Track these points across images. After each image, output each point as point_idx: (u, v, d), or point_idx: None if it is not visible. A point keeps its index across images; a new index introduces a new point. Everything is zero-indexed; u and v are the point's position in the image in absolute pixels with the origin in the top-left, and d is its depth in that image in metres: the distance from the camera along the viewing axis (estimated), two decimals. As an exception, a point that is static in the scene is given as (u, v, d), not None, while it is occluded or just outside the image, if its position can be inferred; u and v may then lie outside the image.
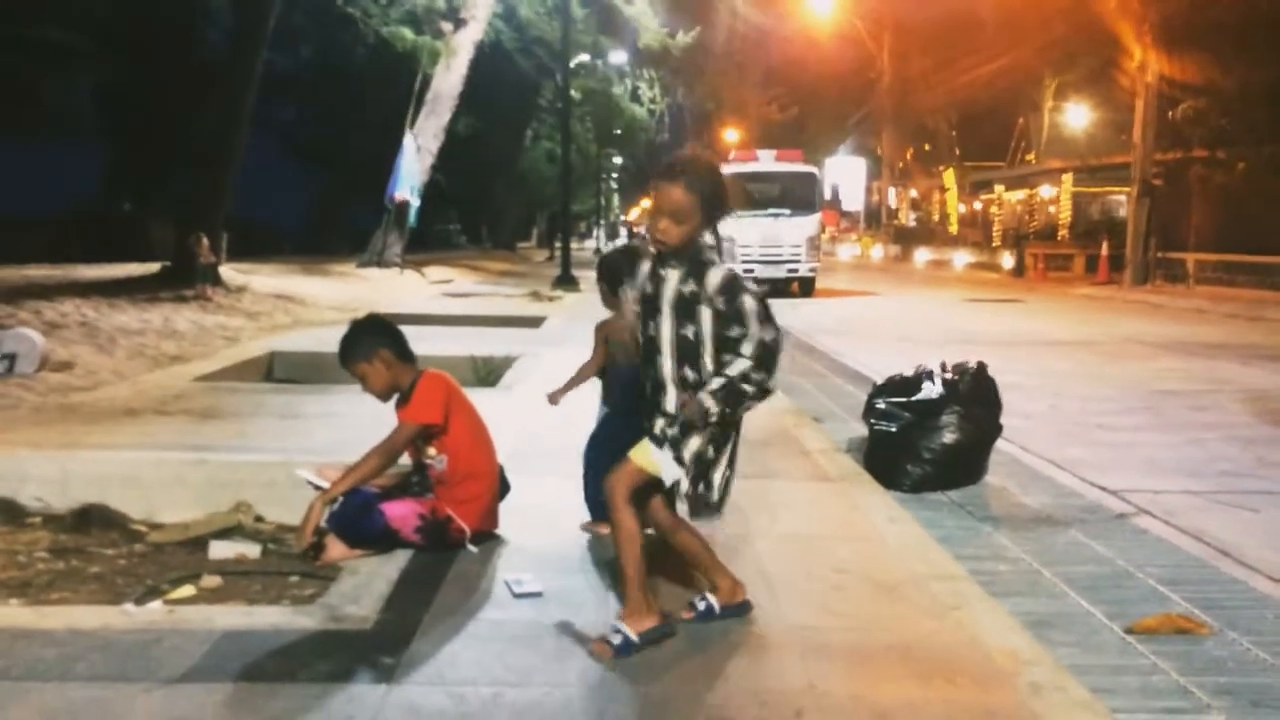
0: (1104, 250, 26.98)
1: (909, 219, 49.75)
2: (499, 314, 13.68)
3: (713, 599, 3.18)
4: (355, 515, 3.49)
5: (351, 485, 3.52)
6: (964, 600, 3.31)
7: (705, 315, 2.94)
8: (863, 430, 6.07)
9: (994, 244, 38.51)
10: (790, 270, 21.20)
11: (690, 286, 2.95)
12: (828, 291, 21.95)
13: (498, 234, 44.50)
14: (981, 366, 5.68)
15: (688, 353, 2.97)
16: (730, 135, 67.40)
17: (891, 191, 49.18)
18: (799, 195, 21.51)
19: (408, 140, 20.06)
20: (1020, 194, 39.84)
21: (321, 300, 14.14)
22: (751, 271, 21.06)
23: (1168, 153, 25.96)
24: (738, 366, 2.92)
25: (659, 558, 3.32)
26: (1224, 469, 6.00)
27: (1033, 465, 6.07)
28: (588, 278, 22.73)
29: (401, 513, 3.50)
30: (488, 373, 8.70)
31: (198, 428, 5.77)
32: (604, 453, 4.40)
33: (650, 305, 3.03)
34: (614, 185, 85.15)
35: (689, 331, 2.96)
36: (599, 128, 42.37)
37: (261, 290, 13.65)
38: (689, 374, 2.97)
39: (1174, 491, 5.46)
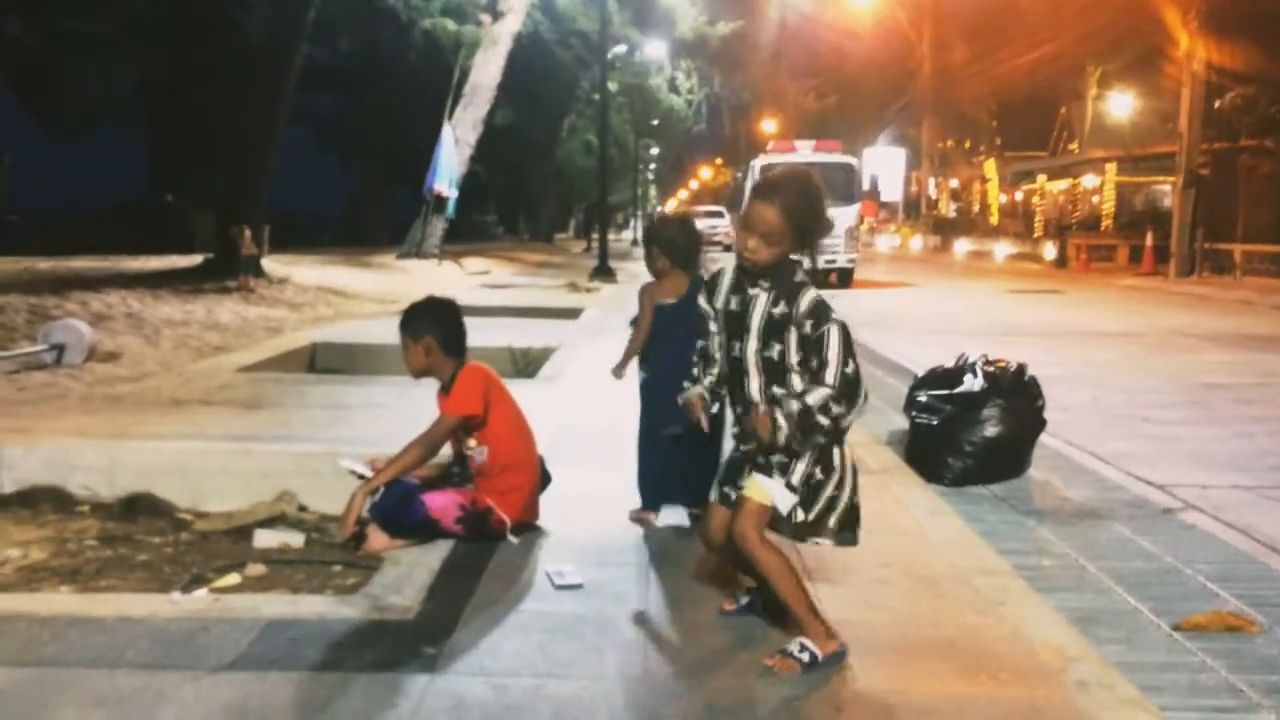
0: (1149, 241, 26.58)
1: (949, 209, 49.26)
2: (536, 305, 13.71)
3: (755, 597, 3.15)
4: (396, 505, 3.52)
5: (393, 476, 3.55)
6: (1008, 595, 3.28)
7: (793, 338, 2.87)
8: (904, 423, 6.03)
9: (1035, 235, 38.05)
10: (828, 261, 21.02)
11: (781, 309, 2.87)
12: (866, 283, 21.79)
13: (535, 225, 44.58)
14: (1021, 368, 5.61)
15: (775, 372, 2.91)
16: (767, 125, 67.06)
17: (931, 182, 48.72)
18: (837, 186, 21.29)
19: (446, 132, 20.15)
20: (1063, 184, 39.36)
21: (362, 292, 14.24)
22: (789, 262, 20.98)
23: (1214, 142, 25.52)
24: (818, 395, 2.81)
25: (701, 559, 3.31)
26: (1273, 463, 5.90)
27: (1076, 459, 5.99)
28: (625, 269, 22.77)
29: (442, 503, 3.53)
30: (526, 364, 8.73)
31: (242, 418, 5.84)
32: (659, 410, 4.41)
33: (737, 324, 2.95)
34: (651, 176, 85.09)
35: (774, 352, 2.90)
36: (636, 118, 42.34)
37: (303, 282, 13.78)
38: (778, 393, 2.91)
39: (1222, 486, 5.38)
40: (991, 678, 2.79)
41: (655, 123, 44.10)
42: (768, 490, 2.89)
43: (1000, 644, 2.99)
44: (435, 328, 3.74)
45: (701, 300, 3.09)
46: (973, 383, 5.52)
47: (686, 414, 3.08)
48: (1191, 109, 24.06)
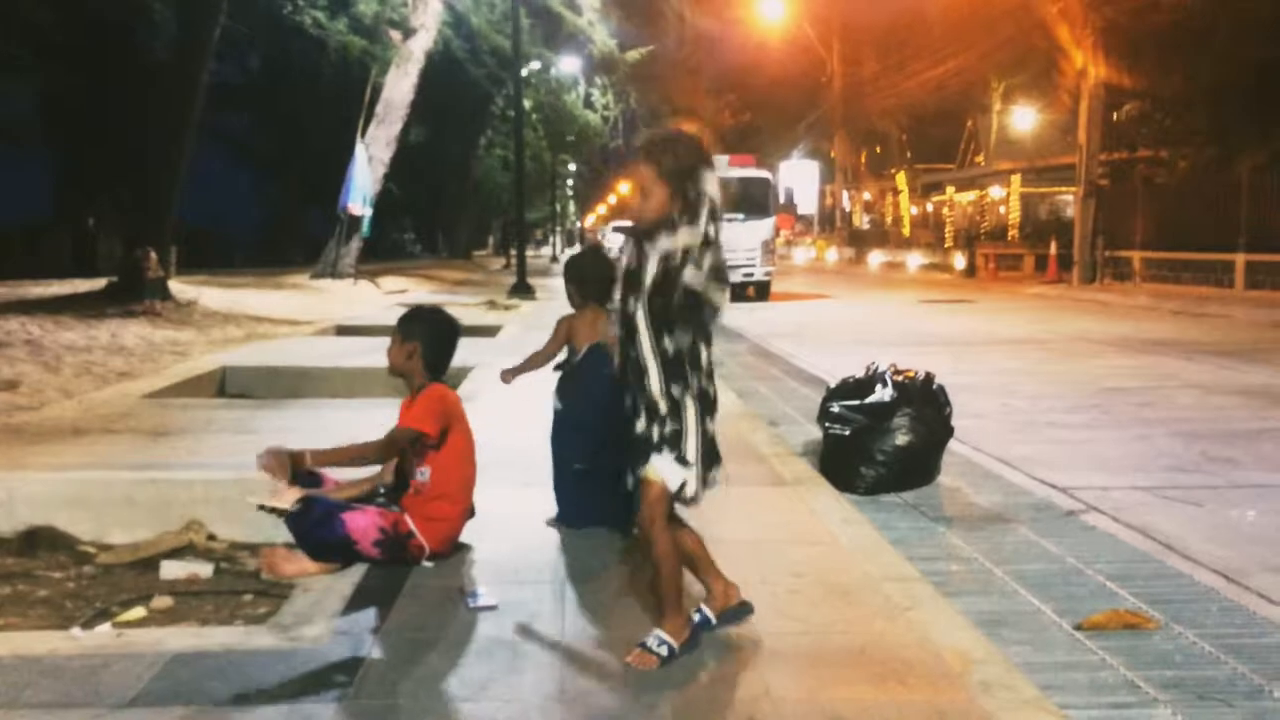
0: (1052, 250, 27.40)
1: (863, 221, 50.19)
2: (454, 323, 13.62)
3: (707, 609, 3.19)
4: (315, 523, 3.47)
5: (330, 462, 3.55)
6: (917, 601, 3.35)
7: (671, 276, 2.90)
8: (818, 433, 6.12)
9: (946, 245, 38.94)
10: (745, 275, 21.30)
11: (666, 246, 2.91)
12: (783, 295, 22.08)
13: (453, 242, 44.27)
14: (929, 377, 5.74)
15: (666, 324, 2.93)
16: (684, 140, 67.31)
17: (845, 194, 49.58)
18: (753, 200, 21.62)
19: (359, 150, 19.92)
20: (970, 195, 40.37)
21: (275, 313, 14.00)
22: (706, 276, 21.16)
23: (1113, 153, 26.42)
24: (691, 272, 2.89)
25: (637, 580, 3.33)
26: (1169, 464, 6.12)
27: (985, 465, 6.15)
28: (544, 285, 22.75)
29: (363, 525, 3.49)
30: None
31: (147, 446, 5.70)
32: (568, 445, 4.46)
33: (632, 282, 2.99)
34: (569, 191, 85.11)
35: (661, 300, 2.92)
36: (552, 134, 42.29)
37: (212, 304, 13.50)
38: (669, 345, 2.94)
39: (1122, 487, 5.56)
40: (900, 682, 2.84)
41: (571, 138, 44.16)
42: (661, 472, 2.96)
43: (908, 650, 3.05)
44: (427, 338, 3.76)
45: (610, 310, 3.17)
46: (883, 393, 5.62)
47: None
48: (1090, 121, 24.87)
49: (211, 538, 4.81)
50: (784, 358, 11.52)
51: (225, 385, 8.92)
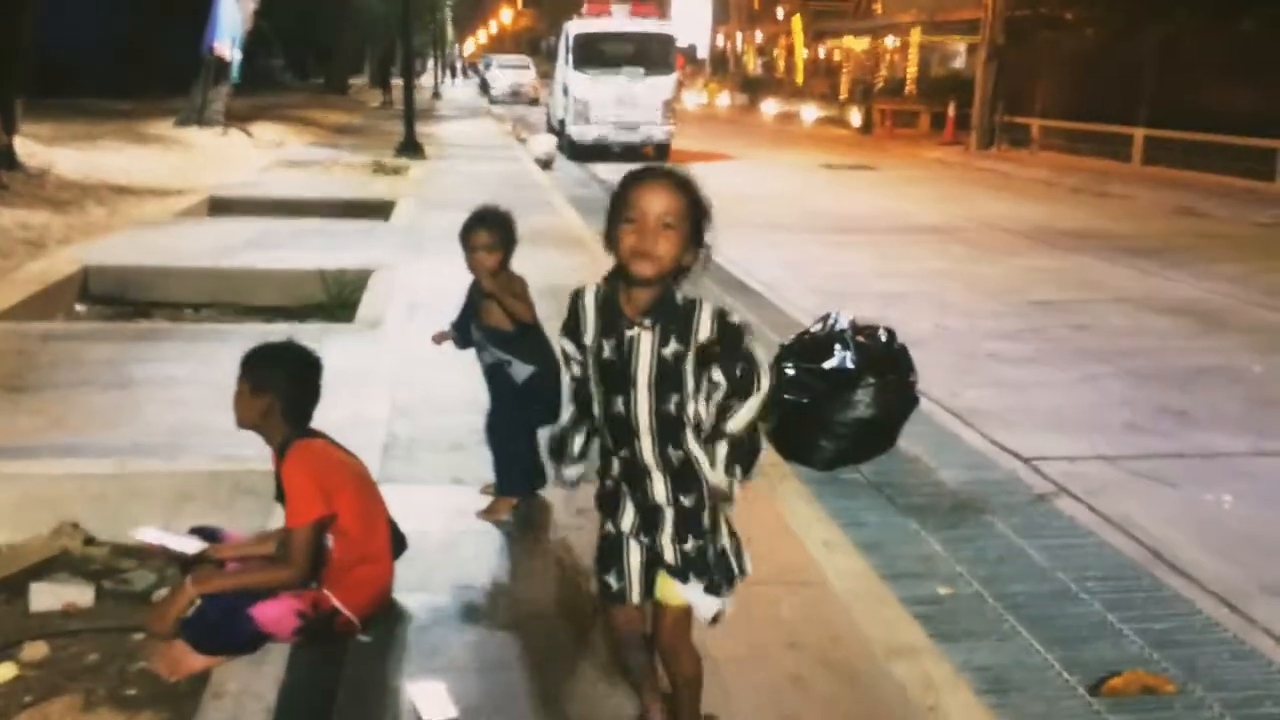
0: (950, 111, 27.12)
1: (756, 66, 49.00)
2: (342, 198, 12.56)
3: None
4: (217, 623, 2.83)
5: (234, 588, 2.88)
6: (934, 691, 2.95)
7: (689, 379, 2.29)
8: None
9: (841, 97, 38.35)
10: (646, 135, 20.46)
11: (673, 347, 2.27)
12: (681, 154, 21.29)
13: (328, 72, 41.52)
14: (891, 337, 5.27)
15: (671, 431, 2.32)
16: (572, -31, 64.39)
17: (739, 37, 48.18)
18: (655, 55, 20.59)
19: (226, -16, 17.98)
20: (866, 41, 39.60)
21: (139, 179, 12.64)
22: (606, 136, 20.25)
23: (1017, 10, 25.91)
24: (740, 423, 2.34)
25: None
26: (1127, 420, 5.87)
27: (939, 419, 5.79)
28: (431, 136, 21.38)
29: (276, 615, 2.86)
30: (339, 290, 7.86)
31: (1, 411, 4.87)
32: (505, 435, 3.89)
33: (616, 377, 2.33)
34: (449, 14, 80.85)
35: (671, 404, 2.30)
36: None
37: (68, 171, 12.06)
38: (673, 454, 2.34)
39: (1086, 457, 5.28)
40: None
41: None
42: (687, 598, 2.42)
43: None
44: (284, 388, 2.97)
45: (563, 341, 2.45)
46: (843, 355, 5.15)
47: None
48: (998, -19, 24.26)
49: (90, 541, 4.13)
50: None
51: (88, 288, 7.93)
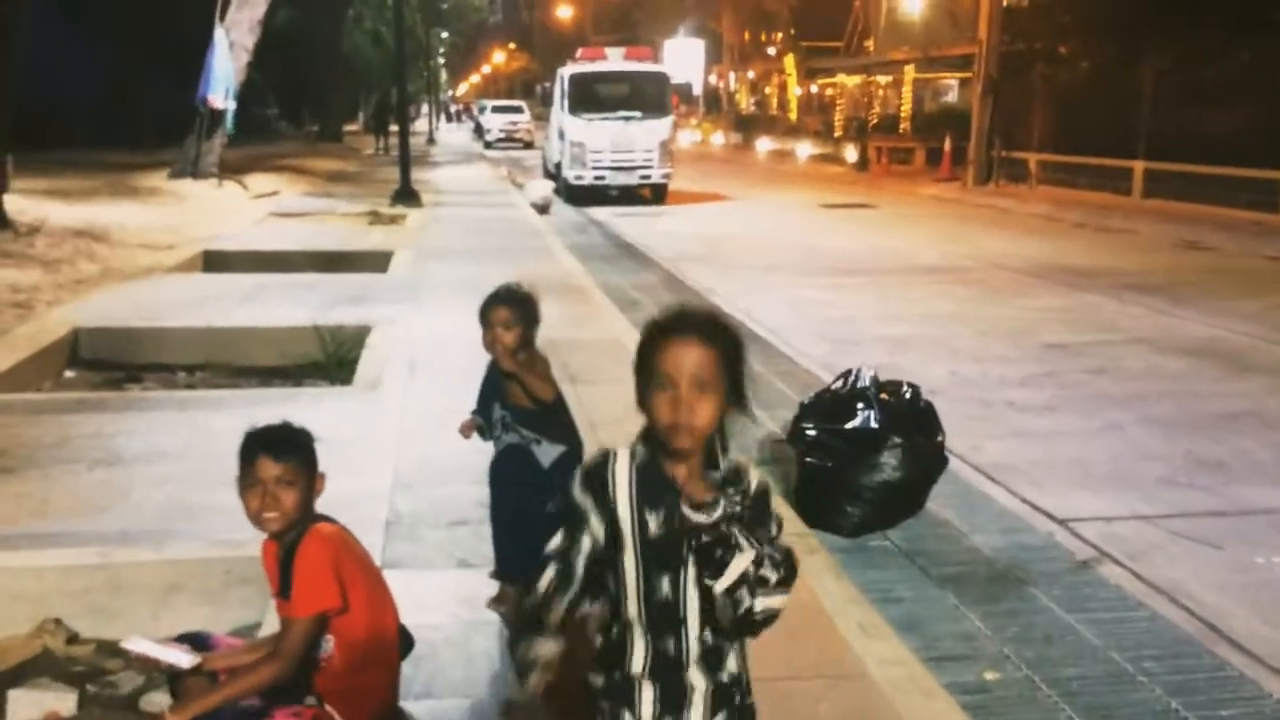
0: (946, 146, 27.07)
1: (749, 104, 49.14)
2: (338, 249, 12.35)
3: None
4: (210, 753, 2.56)
5: (234, 697, 2.61)
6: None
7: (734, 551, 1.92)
8: (769, 426, 5.48)
9: (836, 134, 38.37)
10: (643, 176, 20.35)
11: (720, 513, 1.90)
12: (678, 194, 21.18)
13: (322, 119, 41.60)
14: (916, 394, 5.04)
15: (711, 612, 1.99)
16: (564, 11, 64.85)
17: (732, 75, 48.37)
18: (650, 96, 20.52)
19: (219, 35, 17.87)
20: (859, 78, 39.66)
21: (132, 232, 12.44)
22: (603, 179, 20.15)
23: (1011, 45, 25.92)
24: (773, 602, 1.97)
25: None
26: (1159, 475, 5.62)
27: (965, 477, 5.54)
28: (426, 183, 21.22)
29: (274, 739, 2.59)
30: (336, 348, 7.62)
31: (-17, 490, 4.62)
32: (507, 494, 3.64)
33: (665, 554, 1.99)
34: (441, 60, 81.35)
35: (709, 577, 1.94)
36: (424, 5, 39.75)
37: (60, 225, 11.87)
38: (709, 639, 2.01)
39: (1124, 517, 5.03)
40: None
41: (445, 5, 41.60)
42: None
43: None
44: (311, 470, 2.72)
45: (577, 493, 2.05)
46: (867, 414, 4.91)
47: None
48: (991, 15, 24.28)
49: (73, 639, 3.86)
50: (699, 292, 10.73)
51: (79, 350, 7.69)
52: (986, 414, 6.72)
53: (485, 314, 3.48)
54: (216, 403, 6.02)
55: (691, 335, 1.94)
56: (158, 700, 3.47)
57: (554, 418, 3.56)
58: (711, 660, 2.02)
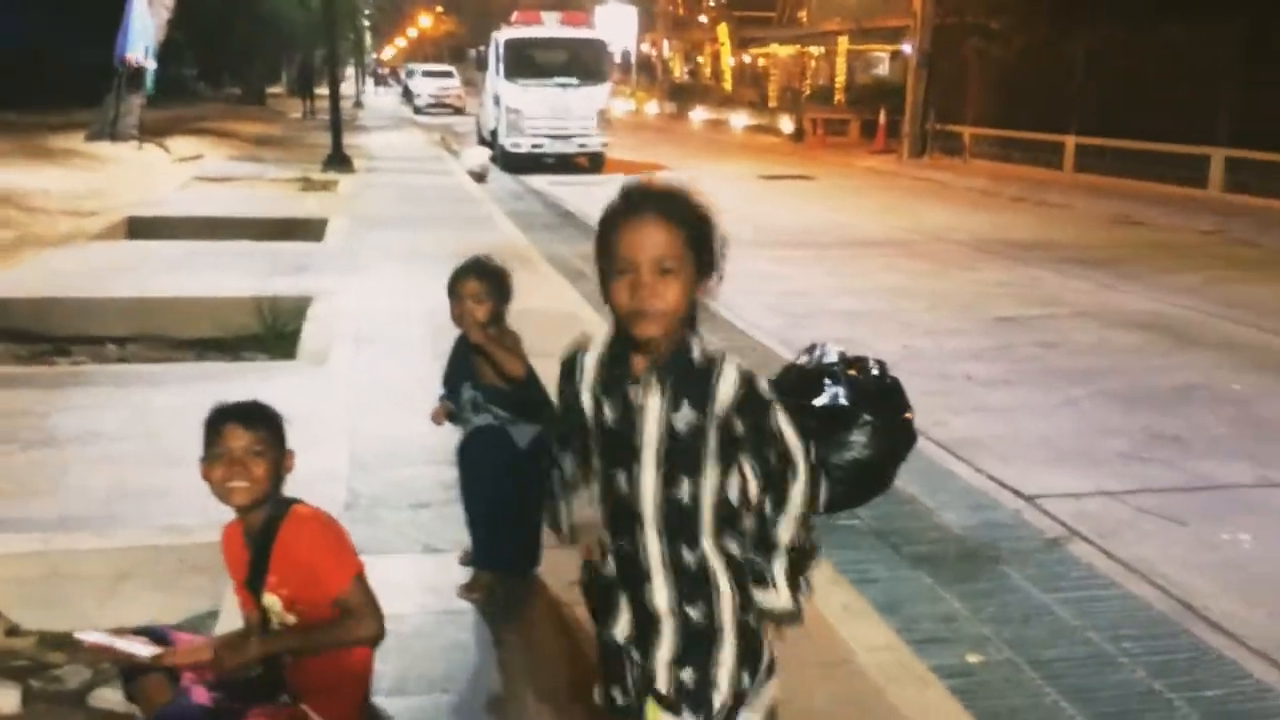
0: (881, 118, 27.19)
1: (682, 73, 48.90)
2: (271, 216, 11.93)
3: None
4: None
5: (301, 647, 2.46)
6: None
7: (709, 461, 1.89)
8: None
9: (770, 104, 38.36)
10: (580, 145, 20.09)
11: (686, 415, 1.86)
12: (616, 163, 20.94)
13: (244, 82, 40.36)
14: (883, 370, 4.95)
15: (682, 524, 1.90)
16: (495, -24, 63.76)
17: (665, 44, 48.05)
18: (587, 63, 20.22)
19: (137, -8, 17.17)
20: (793, 48, 39.66)
21: (50, 197, 11.89)
22: (540, 146, 19.85)
23: (945, 18, 26.05)
24: (791, 525, 2.03)
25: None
26: (1121, 450, 5.63)
27: (930, 454, 5.49)
28: (357, 148, 20.67)
29: (250, 742, 2.41)
30: (274, 320, 7.34)
31: (-96, 474, 4.31)
32: (480, 479, 3.48)
33: (617, 446, 1.91)
34: (366, 23, 79.62)
35: (683, 490, 1.88)
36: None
37: (-30, 189, 11.32)
38: (686, 555, 1.92)
39: (1090, 494, 5.03)
40: None
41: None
42: None
43: None
44: (280, 444, 2.54)
45: (558, 386, 2.00)
46: (835, 391, 4.80)
47: None
48: (927, -11, 24.36)
49: (13, 631, 3.62)
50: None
51: (-1, 323, 7.29)
52: (946, 388, 6.70)
53: (454, 286, 3.30)
54: (154, 378, 5.72)
55: (651, 214, 1.82)
56: (108, 696, 3.28)
57: (528, 395, 3.40)
58: (685, 594, 1.93)
